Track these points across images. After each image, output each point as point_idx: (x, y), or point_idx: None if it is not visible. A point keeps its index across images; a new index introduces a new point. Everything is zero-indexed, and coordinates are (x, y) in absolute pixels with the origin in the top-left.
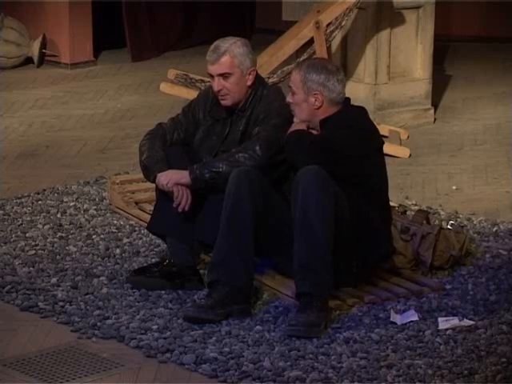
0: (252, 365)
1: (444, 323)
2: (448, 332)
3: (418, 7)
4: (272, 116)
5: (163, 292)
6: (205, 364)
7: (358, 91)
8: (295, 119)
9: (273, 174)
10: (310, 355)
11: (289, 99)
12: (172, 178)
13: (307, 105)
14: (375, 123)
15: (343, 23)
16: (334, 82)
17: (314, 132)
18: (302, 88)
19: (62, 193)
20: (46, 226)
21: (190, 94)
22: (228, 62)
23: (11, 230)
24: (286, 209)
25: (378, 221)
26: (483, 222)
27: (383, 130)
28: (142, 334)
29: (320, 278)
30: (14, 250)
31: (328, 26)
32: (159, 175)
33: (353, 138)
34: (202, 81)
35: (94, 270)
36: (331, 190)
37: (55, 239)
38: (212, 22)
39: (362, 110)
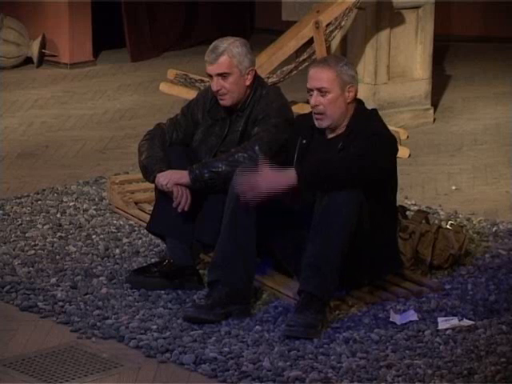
0: (251, 365)
1: (443, 323)
2: (447, 332)
3: (417, 7)
4: (271, 116)
5: (163, 292)
6: (204, 364)
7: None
8: (324, 123)
9: None
10: (310, 355)
11: (315, 103)
12: (171, 178)
13: (343, 100)
14: None
15: (343, 23)
16: (357, 74)
17: (330, 134)
18: (338, 83)
19: (62, 193)
20: (46, 226)
21: (190, 94)
22: (226, 62)
23: (11, 230)
24: (290, 207)
25: (393, 235)
26: (483, 222)
27: None
28: (141, 333)
29: (325, 282)
30: (14, 249)
31: (328, 26)
32: (159, 175)
33: (386, 150)
34: (202, 81)
35: (94, 270)
36: (358, 199)
37: (55, 239)
38: (212, 22)
39: (376, 112)
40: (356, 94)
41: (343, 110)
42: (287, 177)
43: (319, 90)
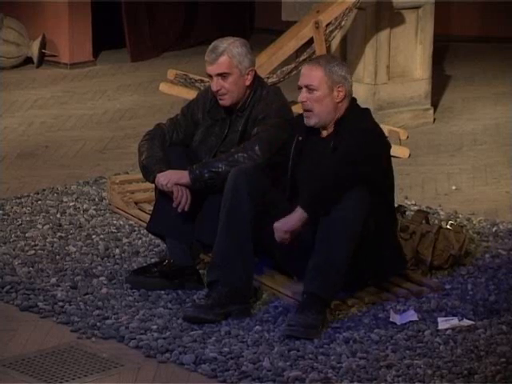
0: (251, 365)
1: (443, 323)
2: (447, 332)
3: (417, 7)
4: (271, 116)
5: (163, 292)
6: (204, 364)
7: (357, 91)
8: (311, 121)
9: (272, 173)
10: (310, 355)
11: (302, 99)
12: (171, 178)
13: (331, 99)
14: None
15: (343, 23)
16: (350, 75)
17: (325, 133)
18: (326, 82)
19: (62, 193)
20: (46, 226)
21: (190, 94)
22: (226, 62)
23: (11, 230)
24: (287, 207)
25: (394, 234)
26: (483, 222)
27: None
28: (141, 334)
29: (328, 282)
30: (14, 249)
31: (327, 26)
32: (159, 175)
33: (377, 146)
34: (202, 81)
35: (94, 270)
36: (365, 202)
37: (55, 239)
38: (211, 22)
39: (369, 111)
40: (347, 94)
41: (330, 109)
42: (297, 215)
43: (307, 87)
